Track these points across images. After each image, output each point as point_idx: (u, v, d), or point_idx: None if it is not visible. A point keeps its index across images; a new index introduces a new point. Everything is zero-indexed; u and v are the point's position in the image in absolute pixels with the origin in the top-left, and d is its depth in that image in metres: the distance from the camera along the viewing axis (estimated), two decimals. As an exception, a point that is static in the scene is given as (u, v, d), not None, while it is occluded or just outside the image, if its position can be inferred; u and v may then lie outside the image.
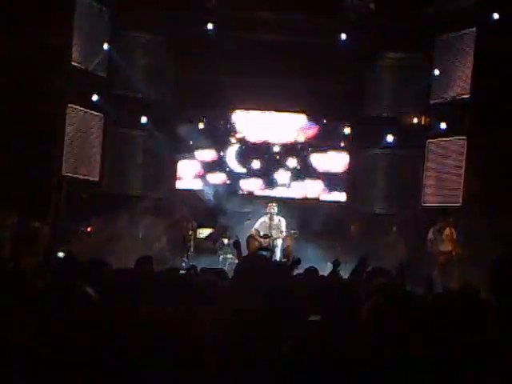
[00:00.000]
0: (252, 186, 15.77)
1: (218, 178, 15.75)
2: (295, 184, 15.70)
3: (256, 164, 15.72)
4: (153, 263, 6.48)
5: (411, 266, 11.33)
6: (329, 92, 14.88)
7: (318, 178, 15.65)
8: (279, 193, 15.58)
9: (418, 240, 13.42)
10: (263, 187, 15.74)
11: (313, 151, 15.69)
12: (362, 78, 15.22)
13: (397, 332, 2.91)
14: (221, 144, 15.73)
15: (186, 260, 13.35)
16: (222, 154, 15.73)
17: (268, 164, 15.69)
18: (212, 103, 15.28)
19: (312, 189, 15.68)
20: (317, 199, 15.62)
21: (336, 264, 6.67)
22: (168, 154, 15.44)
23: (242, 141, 15.78)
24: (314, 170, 15.68)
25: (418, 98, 14.35)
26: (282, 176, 15.70)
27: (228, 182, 15.74)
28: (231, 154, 15.81)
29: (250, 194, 15.64)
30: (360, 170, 15.54)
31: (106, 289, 4.00)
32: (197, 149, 15.65)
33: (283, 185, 15.68)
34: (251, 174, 15.73)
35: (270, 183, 15.70)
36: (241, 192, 15.60)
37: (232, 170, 15.76)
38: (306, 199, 15.60)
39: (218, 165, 15.75)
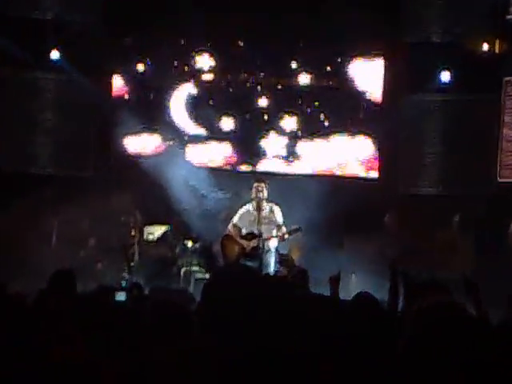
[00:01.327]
0: (215, 155, 15.79)
1: (147, 142, 15.75)
2: (304, 149, 15.66)
3: (227, 123, 15.65)
4: (75, 281, 6.57)
5: (484, 276, 11.47)
6: (348, 10, 14.81)
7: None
8: (271, 167, 15.67)
9: (493, 234, 13.65)
10: (237, 159, 15.79)
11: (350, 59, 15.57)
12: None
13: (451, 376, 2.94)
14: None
15: (126, 275, 13.51)
16: (164, 105, 15.70)
17: (249, 125, 15.69)
18: (161, 28, 15.33)
19: (344, 153, 15.63)
20: (343, 176, 15.66)
21: (335, 278, 6.83)
22: (96, 108, 15.51)
23: (202, 83, 15.75)
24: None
25: (487, 13, 14.43)
26: (272, 142, 15.67)
27: (167, 147, 15.67)
28: (178, 102, 15.76)
29: (219, 169, 15.64)
30: (401, 129, 15.56)
31: (6, 323, 4.07)
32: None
33: (278, 156, 15.69)
34: (214, 136, 15.69)
35: (253, 153, 15.76)
36: (193, 165, 15.46)
37: (177, 129, 15.77)
38: (328, 175, 15.63)
39: (152, 119, 15.68)
